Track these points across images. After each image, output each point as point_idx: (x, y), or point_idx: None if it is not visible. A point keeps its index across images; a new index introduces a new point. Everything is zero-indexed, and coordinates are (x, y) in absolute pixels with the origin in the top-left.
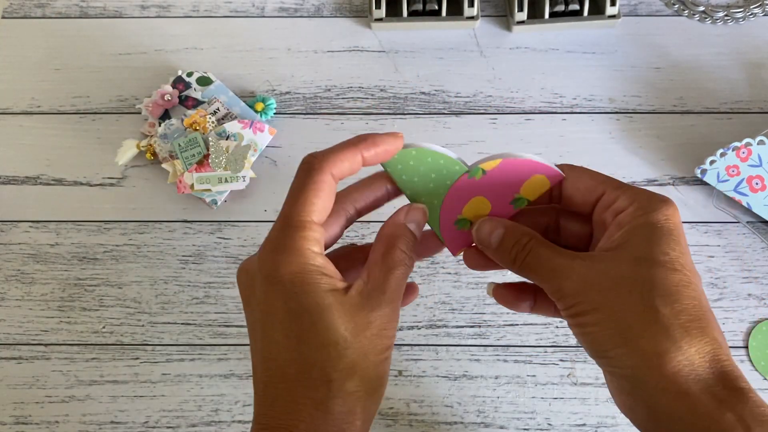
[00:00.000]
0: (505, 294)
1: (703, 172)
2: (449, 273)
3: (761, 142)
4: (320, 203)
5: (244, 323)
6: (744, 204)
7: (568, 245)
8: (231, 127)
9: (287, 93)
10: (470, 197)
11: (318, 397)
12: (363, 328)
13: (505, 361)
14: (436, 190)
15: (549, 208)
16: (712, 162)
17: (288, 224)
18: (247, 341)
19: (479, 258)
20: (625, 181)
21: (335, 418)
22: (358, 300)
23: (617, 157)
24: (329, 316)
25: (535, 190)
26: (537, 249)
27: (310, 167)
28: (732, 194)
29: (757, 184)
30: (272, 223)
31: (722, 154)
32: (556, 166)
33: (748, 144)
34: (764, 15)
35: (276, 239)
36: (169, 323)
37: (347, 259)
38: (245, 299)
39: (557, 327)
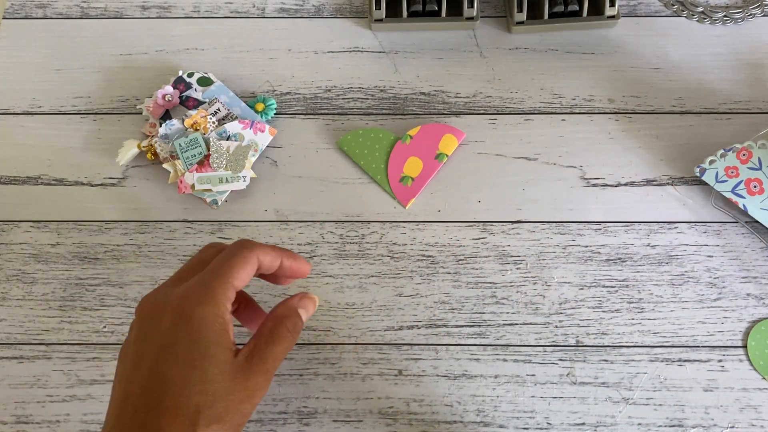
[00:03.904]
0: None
1: (702, 171)
2: (449, 273)
3: (762, 146)
4: (244, 274)
5: None
6: (740, 206)
7: None
8: (232, 127)
9: (287, 93)
10: (406, 158)
11: (184, 430)
12: (237, 391)
13: (505, 360)
14: (381, 157)
15: None
16: (711, 162)
17: (213, 280)
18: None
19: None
20: (623, 181)
21: None
22: (242, 364)
23: (616, 158)
24: (217, 370)
25: (449, 146)
26: None
27: (244, 245)
28: (729, 195)
29: (755, 187)
30: (272, 223)
31: (723, 155)
32: None
33: (750, 146)
34: (763, 15)
35: (198, 286)
36: None
37: (246, 307)
38: (144, 327)
39: (556, 327)
